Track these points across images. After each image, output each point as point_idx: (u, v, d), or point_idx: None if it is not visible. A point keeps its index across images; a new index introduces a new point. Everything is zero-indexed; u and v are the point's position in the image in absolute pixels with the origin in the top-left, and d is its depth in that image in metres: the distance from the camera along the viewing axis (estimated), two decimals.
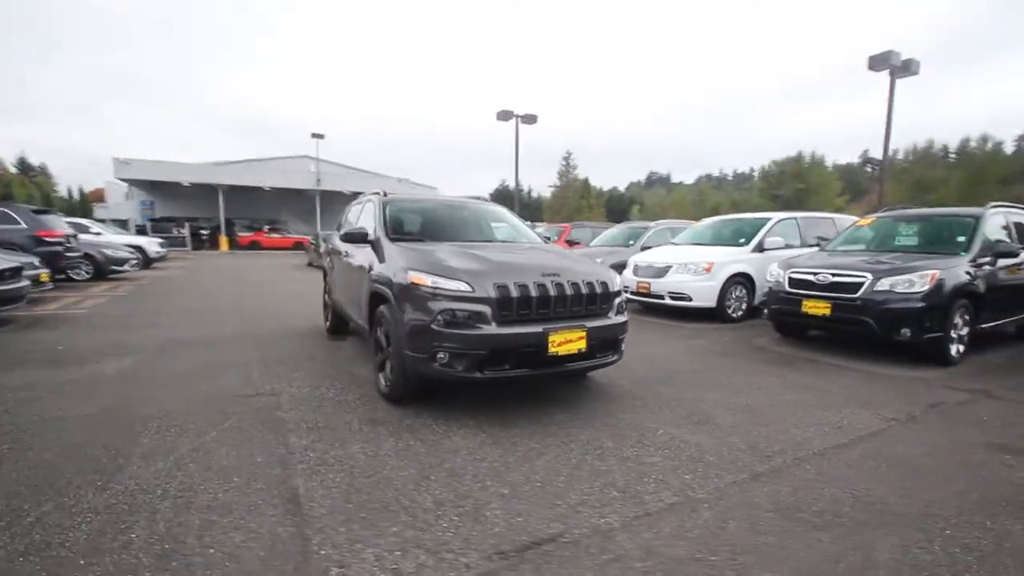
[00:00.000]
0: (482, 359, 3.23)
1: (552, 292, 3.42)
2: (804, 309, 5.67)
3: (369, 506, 2.36)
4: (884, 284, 5.15)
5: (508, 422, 3.45)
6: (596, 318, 3.61)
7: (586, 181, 56.48)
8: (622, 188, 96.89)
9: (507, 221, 5.31)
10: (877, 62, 14.49)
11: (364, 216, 5.19)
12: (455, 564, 1.96)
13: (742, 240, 8.09)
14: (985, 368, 5.11)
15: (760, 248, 7.86)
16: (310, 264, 20.67)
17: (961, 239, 5.71)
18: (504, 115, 20.43)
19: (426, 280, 3.39)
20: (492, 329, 3.23)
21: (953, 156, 59.28)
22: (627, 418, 3.58)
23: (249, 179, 32.63)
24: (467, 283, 3.31)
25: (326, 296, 6.53)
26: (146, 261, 15.35)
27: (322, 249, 6.64)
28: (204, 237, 33.35)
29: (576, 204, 51.89)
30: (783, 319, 6.17)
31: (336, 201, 37.26)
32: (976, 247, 5.51)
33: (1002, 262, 5.64)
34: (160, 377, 4.40)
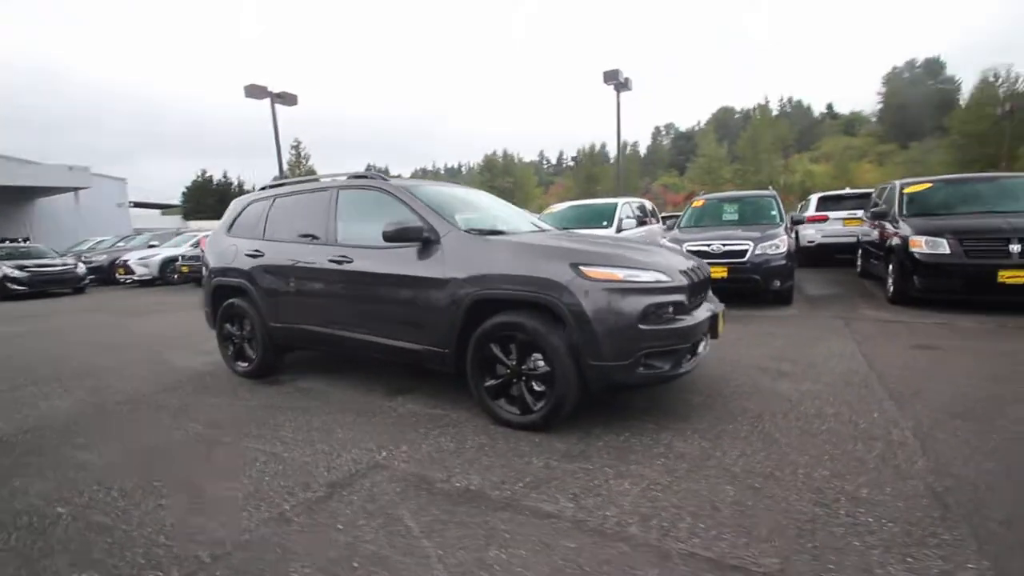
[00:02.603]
0: (686, 352, 3.01)
1: (705, 275, 3.40)
2: None
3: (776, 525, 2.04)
4: (760, 248, 6.76)
5: (683, 415, 3.28)
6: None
7: (312, 172, 52.23)
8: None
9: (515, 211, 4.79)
10: (608, 77, 18.07)
11: (351, 209, 3.94)
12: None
13: (604, 223, 9.16)
14: (808, 302, 7.29)
15: (620, 228, 9.07)
16: None
17: (773, 213, 7.90)
18: (255, 92, 17.00)
19: (616, 275, 2.90)
20: (691, 319, 3.03)
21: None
22: (771, 388, 3.73)
23: None
24: (663, 273, 2.98)
25: (230, 327, 4.60)
26: None
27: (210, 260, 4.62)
28: None
29: None
30: None
31: None
32: (785, 218, 7.74)
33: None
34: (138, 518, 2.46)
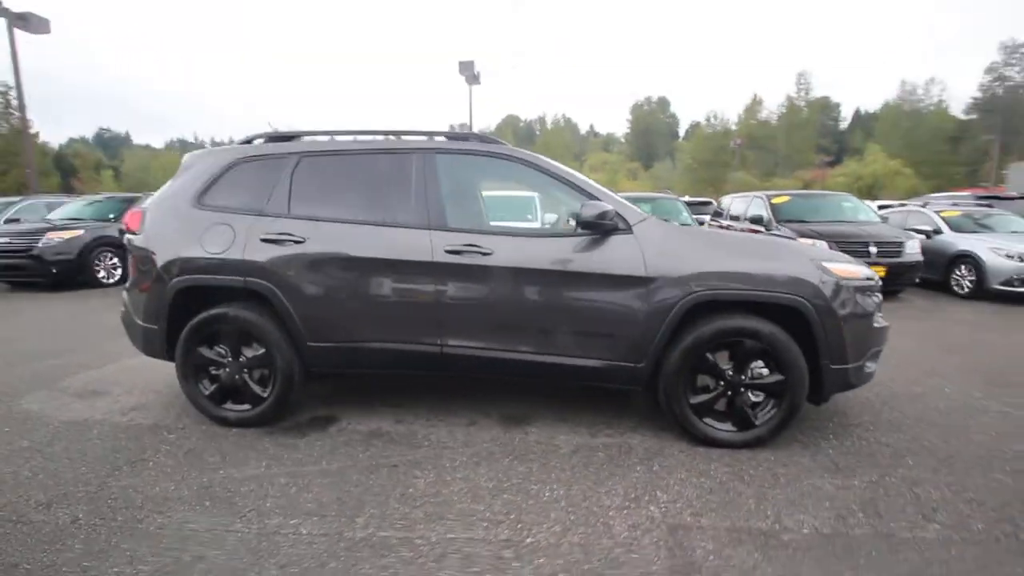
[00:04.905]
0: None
1: None
2: None
3: None
4: None
5: (848, 411, 3.31)
6: None
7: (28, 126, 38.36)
8: (55, 144, 71.06)
9: None
10: (463, 68, 17.65)
11: (458, 182, 2.96)
12: None
13: (528, 216, 8.85)
14: None
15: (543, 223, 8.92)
16: None
17: (684, 216, 8.76)
18: None
19: (856, 271, 2.74)
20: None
21: None
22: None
23: None
24: (867, 268, 2.92)
25: (209, 352, 2.95)
26: None
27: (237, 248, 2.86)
28: None
29: (14, 161, 34.62)
30: None
31: None
32: (692, 221, 8.66)
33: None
34: None
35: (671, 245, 2.72)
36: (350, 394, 3.50)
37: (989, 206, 9.32)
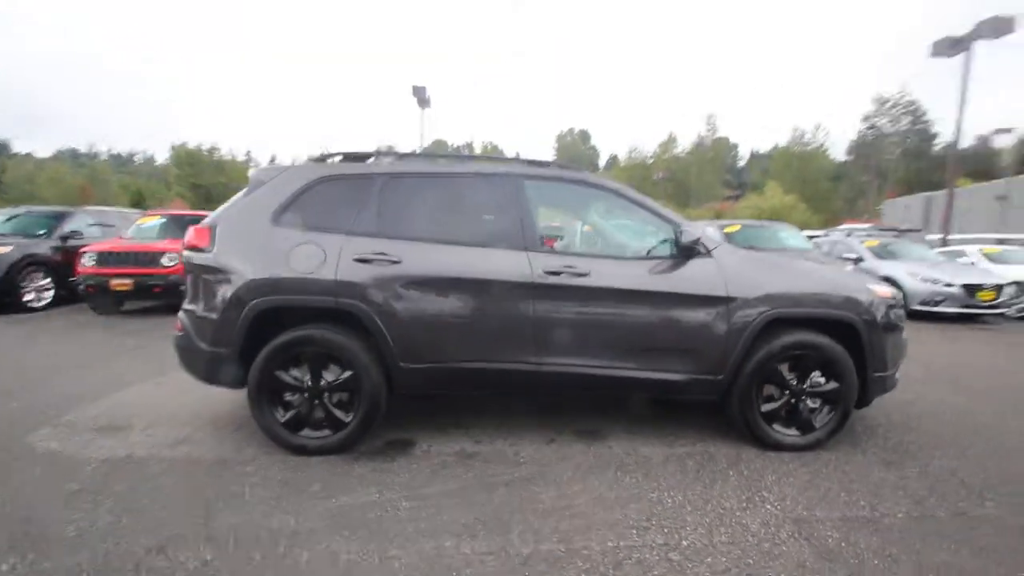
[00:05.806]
0: None
1: None
2: None
3: None
4: None
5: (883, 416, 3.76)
6: None
7: None
8: None
9: None
10: (416, 91, 17.71)
11: (546, 208, 3.06)
12: None
13: None
14: None
15: None
16: None
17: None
18: None
19: (886, 291, 3.17)
20: None
21: None
22: None
23: None
24: (894, 289, 3.38)
25: (287, 376, 2.81)
26: None
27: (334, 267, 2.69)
28: None
29: None
30: None
31: None
32: None
33: None
34: None
35: (747, 268, 3.03)
36: (412, 416, 3.43)
37: (897, 237, 10.85)
